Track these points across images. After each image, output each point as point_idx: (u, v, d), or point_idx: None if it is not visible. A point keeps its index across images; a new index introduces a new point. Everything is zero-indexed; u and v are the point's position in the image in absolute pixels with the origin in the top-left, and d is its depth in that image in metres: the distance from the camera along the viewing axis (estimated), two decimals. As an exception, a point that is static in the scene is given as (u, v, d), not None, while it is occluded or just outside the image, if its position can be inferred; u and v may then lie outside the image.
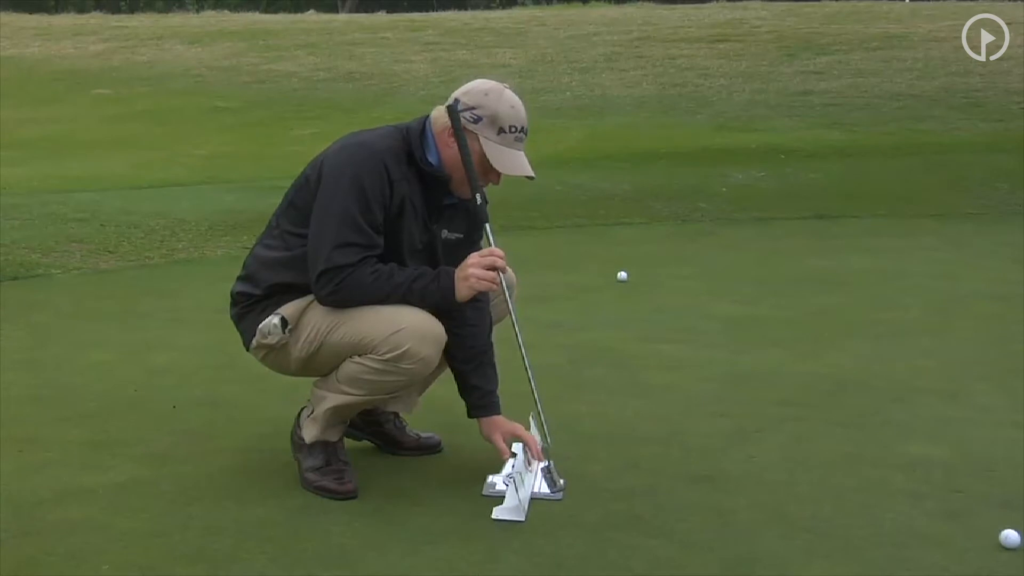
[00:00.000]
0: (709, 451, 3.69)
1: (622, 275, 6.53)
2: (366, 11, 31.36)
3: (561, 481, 3.30)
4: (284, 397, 3.90)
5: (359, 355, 3.14)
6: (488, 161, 3.19)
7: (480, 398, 3.39)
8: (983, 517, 3.12)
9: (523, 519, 3.09)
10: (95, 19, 28.06)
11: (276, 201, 3.39)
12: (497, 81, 3.28)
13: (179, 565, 2.83)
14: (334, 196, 3.14)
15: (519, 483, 3.12)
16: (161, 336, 5.27)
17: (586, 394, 4.34)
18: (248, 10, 32.68)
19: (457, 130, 3.17)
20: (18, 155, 12.58)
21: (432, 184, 3.24)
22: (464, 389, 3.42)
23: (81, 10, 34.72)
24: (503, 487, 3.19)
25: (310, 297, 3.22)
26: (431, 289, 3.16)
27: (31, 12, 29.83)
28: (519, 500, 3.10)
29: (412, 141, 3.22)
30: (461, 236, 3.36)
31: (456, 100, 3.21)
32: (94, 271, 6.94)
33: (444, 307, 3.20)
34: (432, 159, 3.23)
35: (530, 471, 3.29)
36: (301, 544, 2.95)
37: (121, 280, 6.73)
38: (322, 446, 3.32)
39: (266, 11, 32.80)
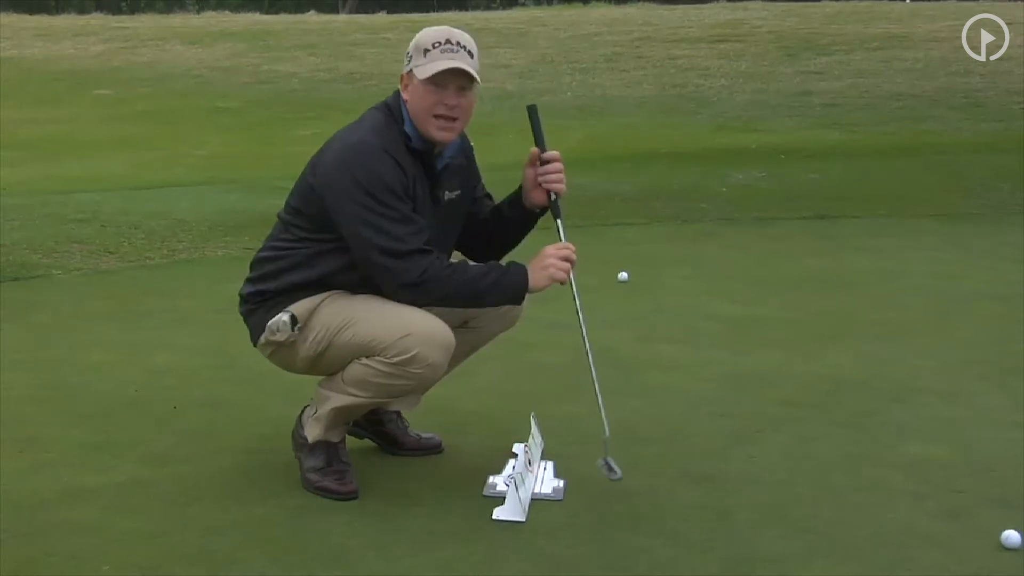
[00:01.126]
0: (709, 451, 3.69)
1: (622, 275, 6.52)
2: (366, 12, 31.39)
3: (619, 472, 3.22)
4: (285, 397, 3.90)
5: (367, 357, 3.14)
6: (429, 85, 3.16)
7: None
8: (983, 517, 3.12)
9: (523, 519, 3.09)
10: (96, 20, 28.10)
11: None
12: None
13: (179, 565, 2.83)
14: (362, 203, 3.09)
15: (519, 483, 3.13)
16: (161, 336, 5.27)
17: (586, 394, 4.31)
18: (249, 11, 32.73)
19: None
20: (18, 155, 12.58)
21: (423, 155, 3.23)
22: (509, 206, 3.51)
23: (82, 11, 34.80)
24: (503, 487, 3.20)
25: (320, 296, 3.23)
26: (502, 283, 3.19)
27: (32, 13, 29.90)
28: (519, 500, 3.10)
29: (396, 115, 3.23)
30: (459, 192, 3.39)
31: None
32: (94, 271, 6.94)
33: (511, 301, 3.27)
34: (408, 130, 3.21)
35: (530, 471, 3.30)
36: (301, 544, 2.95)
37: (121, 280, 6.73)
38: (324, 447, 3.33)
39: (267, 12, 32.82)
